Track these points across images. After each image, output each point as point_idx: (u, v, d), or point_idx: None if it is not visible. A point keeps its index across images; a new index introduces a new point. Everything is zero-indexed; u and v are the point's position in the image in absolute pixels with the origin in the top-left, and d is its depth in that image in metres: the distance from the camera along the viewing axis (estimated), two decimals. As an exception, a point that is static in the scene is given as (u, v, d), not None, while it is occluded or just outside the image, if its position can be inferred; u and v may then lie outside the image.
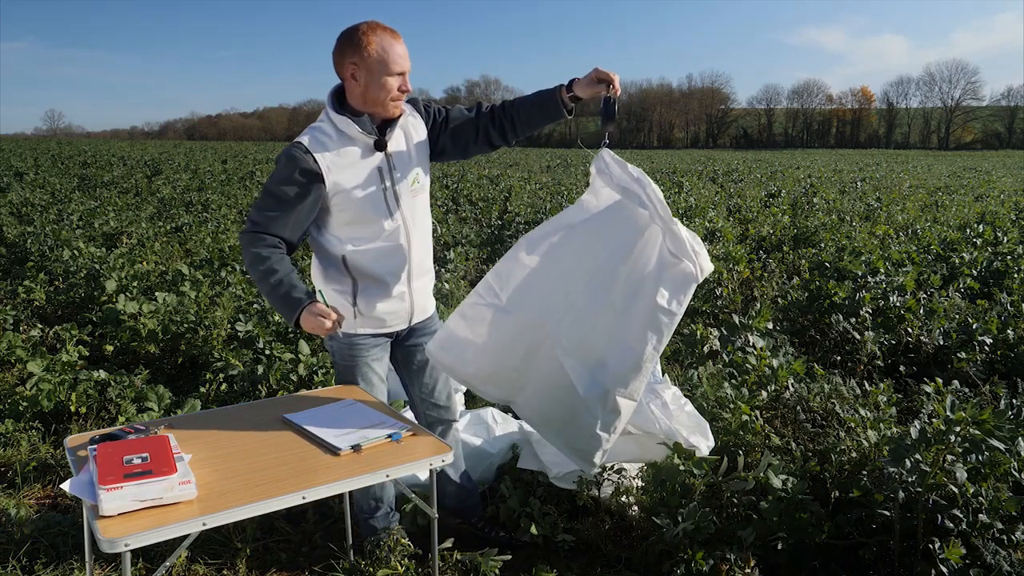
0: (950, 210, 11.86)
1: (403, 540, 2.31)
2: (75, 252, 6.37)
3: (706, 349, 3.88)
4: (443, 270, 5.99)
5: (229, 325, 4.44)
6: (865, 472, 2.59)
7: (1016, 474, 2.40)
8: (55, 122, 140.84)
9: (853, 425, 2.86)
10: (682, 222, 2.42)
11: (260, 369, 3.68)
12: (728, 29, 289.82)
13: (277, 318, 4.32)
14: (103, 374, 3.69)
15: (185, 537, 1.55)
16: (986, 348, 4.09)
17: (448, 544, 2.37)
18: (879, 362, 4.19)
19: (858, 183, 17.86)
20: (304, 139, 2.10)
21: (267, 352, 3.98)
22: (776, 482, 2.42)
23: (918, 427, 2.32)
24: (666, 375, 3.04)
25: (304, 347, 3.84)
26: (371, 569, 2.24)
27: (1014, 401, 2.69)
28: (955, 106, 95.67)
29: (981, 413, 2.21)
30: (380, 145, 2.14)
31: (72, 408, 3.51)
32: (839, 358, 4.31)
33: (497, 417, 3.19)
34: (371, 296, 2.25)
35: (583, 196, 2.34)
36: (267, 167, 21.82)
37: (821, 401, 3.22)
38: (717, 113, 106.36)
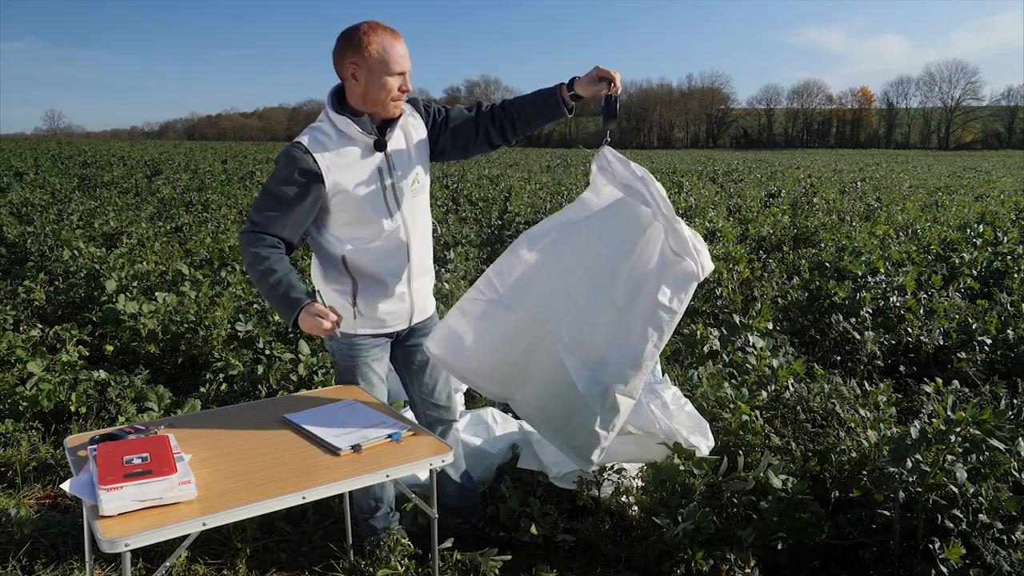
0: (950, 210, 11.86)
1: (403, 540, 2.31)
2: (75, 252, 6.37)
3: (706, 349, 3.88)
4: (443, 270, 5.99)
5: (229, 325, 4.44)
6: (865, 472, 2.59)
7: (1016, 474, 2.40)
8: (55, 122, 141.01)
9: (853, 425, 2.86)
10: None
11: (260, 369, 3.68)
12: (728, 29, 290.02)
13: (277, 318, 4.32)
14: (103, 374, 3.70)
15: (185, 537, 1.55)
16: (986, 348, 4.09)
17: (448, 544, 2.37)
18: (879, 362, 4.19)
19: (858, 183, 17.86)
20: (304, 139, 2.09)
21: (267, 352, 3.98)
22: (776, 482, 2.42)
23: (918, 427, 2.32)
24: (666, 375, 3.04)
25: (304, 347, 3.84)
26: (371, 569, 2.24)
27: (1014, 401, 2.69)
28: (955, 106, 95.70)
29: (981, 413, 2.21)
30: (380, 145, 2.14)
31: (72, 408, 3.51)
32: (839, 358, 4.31)
33: (497, 417, 3.19)
34: (371, 296, 2.24)
35: (584, 194, 2.34)
36: (267, 167, 21.82)
37: (821, 401, 3.22)
38: (717, 113, 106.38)
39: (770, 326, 4.33)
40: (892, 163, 37.01)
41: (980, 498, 2.29)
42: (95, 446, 1.69)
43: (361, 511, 2.47)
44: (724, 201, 12.27)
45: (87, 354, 4.38)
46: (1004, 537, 2.24)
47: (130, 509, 1.49)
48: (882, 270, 5.70)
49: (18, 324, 4.86)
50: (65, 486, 1.58)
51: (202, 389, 3.63)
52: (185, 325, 4.41)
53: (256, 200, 2.12)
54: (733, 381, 3.22)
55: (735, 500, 2.51)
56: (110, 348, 4.49)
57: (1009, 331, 4.15)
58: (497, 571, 2.31)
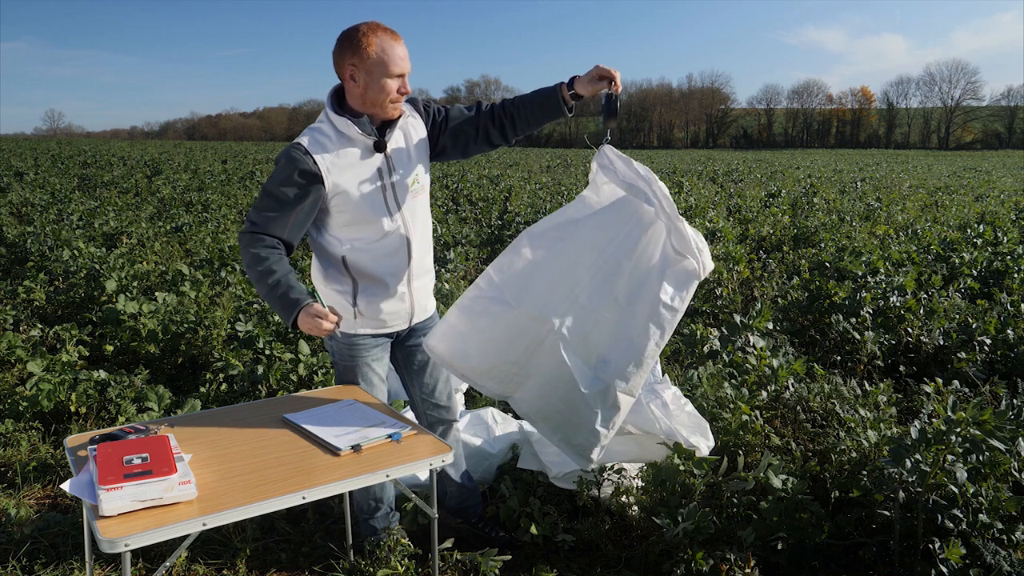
0: (950, 210, 11.86)
1: (403, 540, 2.31)
2: (75, 252, 6.37)
3: (706, 349, 3.88)
4: (443, 270, 5.99)
5: (229, 325, 4.44)
6: (865, 472, 2.59)
7: (1016, 474, 2.40)
8: (55, 122, 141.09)
9: (853, 425, 2.86)
10: (682, 222, 2.44)
11: (260, 369, 3.68)
12: (728, 29, 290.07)
13: (277, 318, 4.33)
14: (103, 374, 3.70)
15: (185, 537, 1.55)
16: (986, 348, 4.09)
17: (448, 544, 2.38)
18: (879, 362, 4.19)
19: (858, 183, 17.86)
20: (304, 140, 2.09)
21: (267, 352, 3.98)
22: (776, 482, 2.42)
23: (918, 427, 2.32)
24: (666, 375, 3.04)
25: (304, 347, 3.84)
26: (371, 569, 2.24)
27: (1014, 401, 2.69)
28: (955, 106, 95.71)
29: (981, 413, 2.21)
30: (380, 146, 2.14)
31: (72, 408, 3.51)
32: (839, 358, 4.31)
33: (497, 417, 3.19)
34: (372, 296, 2.25)
35: (584, 192, 2.34)
36: (267, 167, 21.82)
37: (821, 401, 3.22)
38: (717, 113, 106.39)
39: (770, 326, 4.34)
40: (892, 163, 37.02)
41: (980, 498, 2.29)
42: (95, 446, 1.69)
43: (361, 511, 2.47)
44: (724, 201, 12.28)
45: (87, 354, 4.38)
46: (1004, 537, 2.24)
47: (130, 509, 1.49)
48: (882, 270, 5.70)
49: (18, 324, 4.86)
50: (65, 486, 1.58)
51: (202, 389, 3.63)
52: (185, 325, 4.41)
53: (256, 201, 2.12)
54: (733, 381, 3.22)
55: (735, 500, 2.51)
56: (110, 348, 4.49)
57: (1009, 331, 4.15)
58: (497, 571, 2.31)
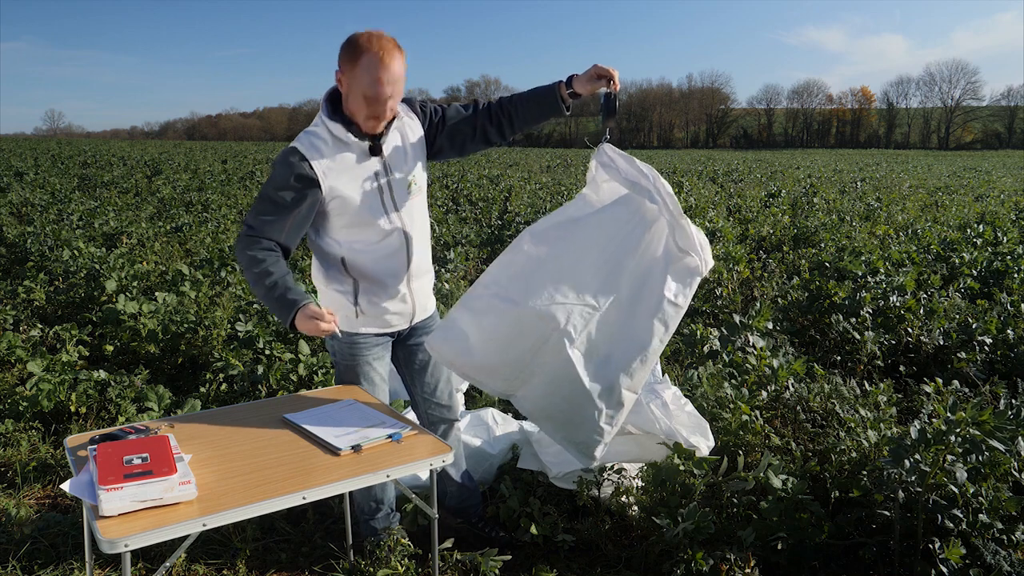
0: (950, 210, 11.86)
1: (403, 540, 2.31)
2: (75, 252, 6.37)
3: (706, 349, 3.88)
4: (443, 270, 5.99)
5: (229, 325, 4.44)
6: (865, 472, 2.59)
7: (1016, 474, 2.40)
8: (55, 122, 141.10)
9: (853, 425, 2.86)
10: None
11: (260, 369, 3.68)
12: (728, 29, 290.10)
13: (277, 318, 4.32)
14: (103, 374, 3.70)
15: (185, 538, 1.55)
16: (986, 348, 4.09)
17: (448, 544, 2.38)
18: (879, 362, 4.19)
19: (858, 183, 17.86)
20: (300, 145, 2.08)
21: (267, 352, 3.98)
22: (776, 482, 2.42)
23: (918, 427, 2.32)
24: (666, 375, 3.04)
25: (304, 347, 3.84)
26: (371, 569, 2.24)
27: (1014, 401, 2.69)
28: (955, 106, 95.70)
29: (981, 413, 2.21)
30: (375, 150, 2.13)
31: (72, 408, 3.51)
32: (839, 358, 4.31)
33: (497, 418, 3.19)
34: (372, 296, 2.25)
35: (583, 191, 2.35)
36: (267, 167, 21.82)
37: (821, 401, 3.22)
38: (717, 113, 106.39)
39: (770, 326, 4.34)
40: (892, 163, 37.02)
41: (980, 498, 2.29)
42: (95, 446, 1.69)
43: (362, 512, 2.47)
44: (724, 201, 12.28)
45: (87, 354, 4.38)
46: (1004, 537, 2.24)
47: (130, 509, 1.49)
48: (882, 270, 5.71)
49: (18, 324, 4.86)
50: (65, 486, 1.58)
51: (202, 389, 3.63)
52: (185, 325, 4.41)
53: (253, 204, 2.11)
54: (733, 381, 3.22)
55: (735, 500, 2.51)
56: (110, 348, 4.49)
57: (1009, 331, 4.15)
58: (497, 571, 2.31)
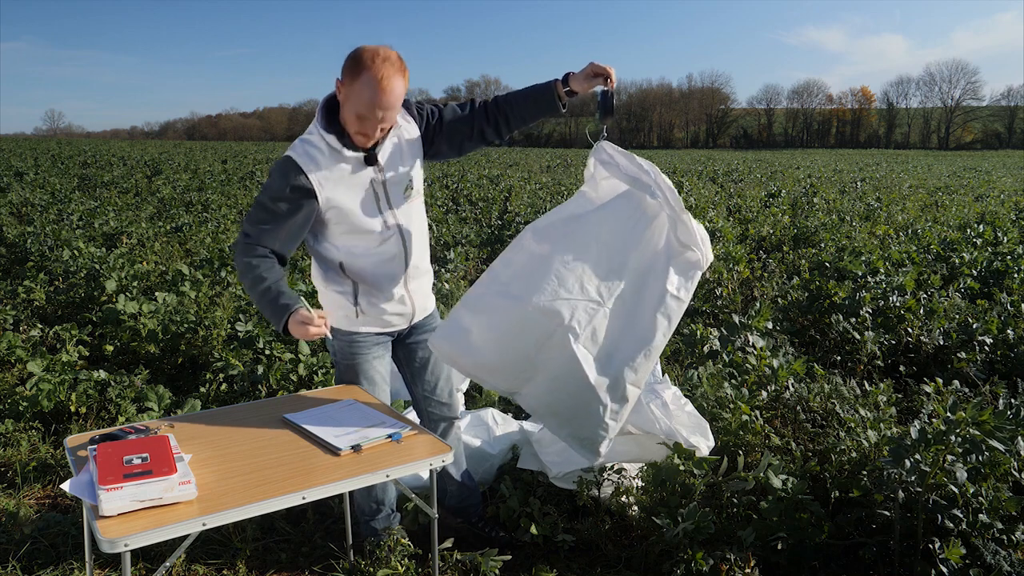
0: (950, 210, 11.87)
1: (403, 540, 2.31)
2: (75, 252, 6.37)
3: (706, 349, 3.88)
4: (443, 270, 5.99)
5: (229, 325, 4.44)
6: (865, 472, 2.59)
7: (1016, 474, 2.40)
8: (55, 122, 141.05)
9: (853, 425, 2.86)
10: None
11: (260, 369, 3.68)
12: (728, 29, 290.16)
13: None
14: (103, 374, 3.70)
15: (185, 537, 1.55)
16: (986, 348, 4.09)
17: (448, 544, 2.38)
18: (879, 362, 4.19)
19: (858, 183, 17.86)
20: (296, 156, 2.07)
21: (267, 352, 3.98)
22: (776, 482, 2.42)
23: (918, 427, 2.32)
24: (666, 375, 3.04)
25: (304, 347, 3.84)
26: (371, 569, 2.24)
27: (1014, 401, 2.69)
28: (955, 106, 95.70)
29: (981, 413, 2.21)
30: (371, 159, 2.13)
31: (72, 408, 3.51)
32: (839, 358, 4.31)
33: (497, 418, 3.19)
34: (372, 297, 2.26)
35: (582, 188, 2.35)
36: (267, 167, 21.82)
37: (821, 401, 3.22)
38: (717, 113, 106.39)
39: (770, 326, 4.34)
40: (892, 163, 37.02)
41: (980, 498, 2.29)
42: (95, 446, 1.69)
43: (362, 513, 2.47)
44: (724, 201, 12.28)
45: (87, 354, 4.38)
46: (1004, 537, 2.24)
47: (130, 509, 1.49)
48: (882, 270, 5.71)
49: (18, 324, 4.86)
50: (65, 486, 1.58)
51: (202, 389, 3.63)
52: (185, 325, 4.41)
53: (249, 212, 2.12)
54: (733, 381, 3.22)
55: (735, 500, 2.51)
56: (110, 348, 4.49)
57: (1009, 331, 4.15)
58: (497, 571, 2.31)
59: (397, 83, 1.98)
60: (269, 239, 2.08)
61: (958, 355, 4.01)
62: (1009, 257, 6.17)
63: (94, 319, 4.82)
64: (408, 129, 2.24)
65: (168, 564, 1.59)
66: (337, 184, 2.09)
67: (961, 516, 2.26)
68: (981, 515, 2.25)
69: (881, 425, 2.81)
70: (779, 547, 2.37)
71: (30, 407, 3.46)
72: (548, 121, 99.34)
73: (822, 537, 2.39)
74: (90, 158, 25.88)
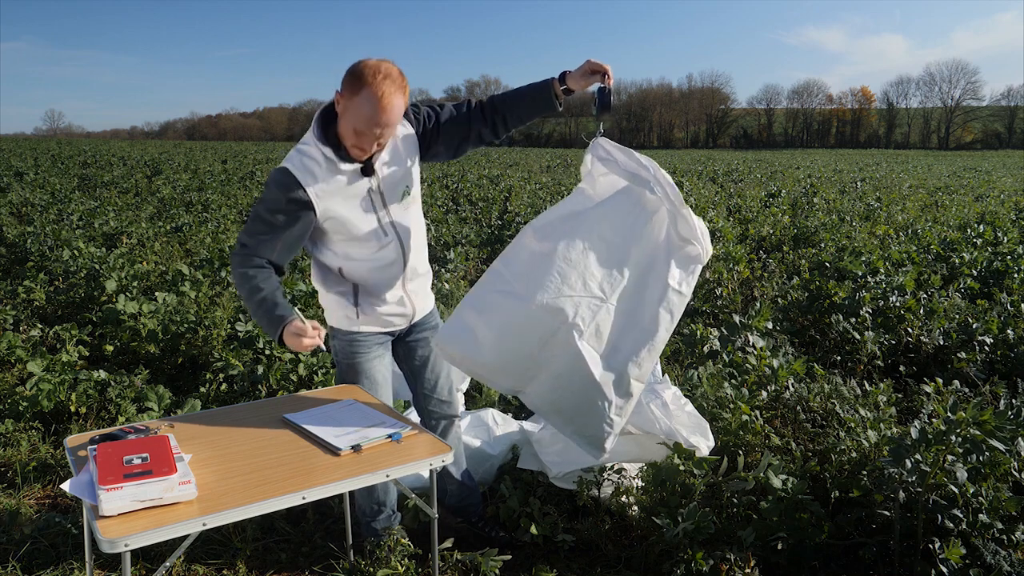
0: (950, 210, 11.87)
1: (403, 540, 2.31)
2: (75, 252, 6.37)
3: (706, 349, 3.88)
4: (443, 270, 5.99)
5: (229, 325, 4.44)
6: (865, 472, 2.59)
7: (1016, 474, 2.40)
8: (55, 122, 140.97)
9: (853, 425, 2.86)
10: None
11: (260, 369, 3.68)
12: (728, 29, 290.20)
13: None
14: (103, 374, 3.70)
15: (185, 537, 1.55)
16: (986, 348, 4.09)
17: (448, 544, 2.38)
18: (879, 362, 4.19)
19: (858, 183, 17.86)
20: (293, 168, 2.06)
21: (267, 352, 3.98)
22: (776, 482, 2.42)
23: (918, 427, 2.32)
24: (666, 375, 3.04)
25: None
26: (371, 569, 2.24)
27: (1014, 401, 2.69)
28: (955, 106, 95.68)
29: (981, 413, 2.21)
30: (367, 170, 2.12)
31: (72, 408, 3.51)
32: (839, 358, 4.31)
33: (497, 418, 3.19)
34: (371, 299, 2.27)
35: (580, 185, 2.35)
36: (267, 167, 21.83)
37: (821, 401, 3.22)
38: (717, 113, 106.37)
39: (770, 326, 4.34)
40: (892, 163, 37.02)
41: (980, 498, 2.29)
42: (95, 446, 1.69)
43: (363, 514, 2.47)
44: (724, 201, 12.28)
45: (87, 354, 4.38)
46: (1004, 537, 2.24)
47: (130, 509, 1.49)
48: (882, 270, 5.71)
49: (18, 324, 4.86)
50: (65, 486, 1.58)
51: (202, 389, 3.63)
52: (185, 325, 4.41)
53: (246, 223, 2.12)
54: (733, 381, 3.22)
55: (735, 500, 2.51)
56: (110, 348, 4.49)
57: (1009, 331, 4.15)
58: (497, 571, 2.31)
59: (397, 100, 1.97)
60: (266, 250, 2.08)
61: (958, 355, 4.01)
62: (1009, 257, 6.17)
63: (94, 319, 4.82)
64: (404, 133, 2.23)
65: (168, 564, 1.59)
66: (334, 195, 2.09)
67: (961, 516, 2.26)
68: (981, 515, 2.25)
69: (881, 425, 2.80)
70: (779, 547, 2.37)
71: (30, 407, 3.46)
72: (548, 121, 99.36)
73: (822, 537, 2.39)
74: (90, 158, 25.88)
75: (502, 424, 3.16)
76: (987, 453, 2.22)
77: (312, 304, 4.66)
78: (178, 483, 1.54)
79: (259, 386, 3.62)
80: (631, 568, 2.50)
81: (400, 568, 2.22)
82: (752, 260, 6.44)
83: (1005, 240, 7.36)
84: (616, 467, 2.73)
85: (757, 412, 3.02)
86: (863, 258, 6.10)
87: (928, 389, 3.31)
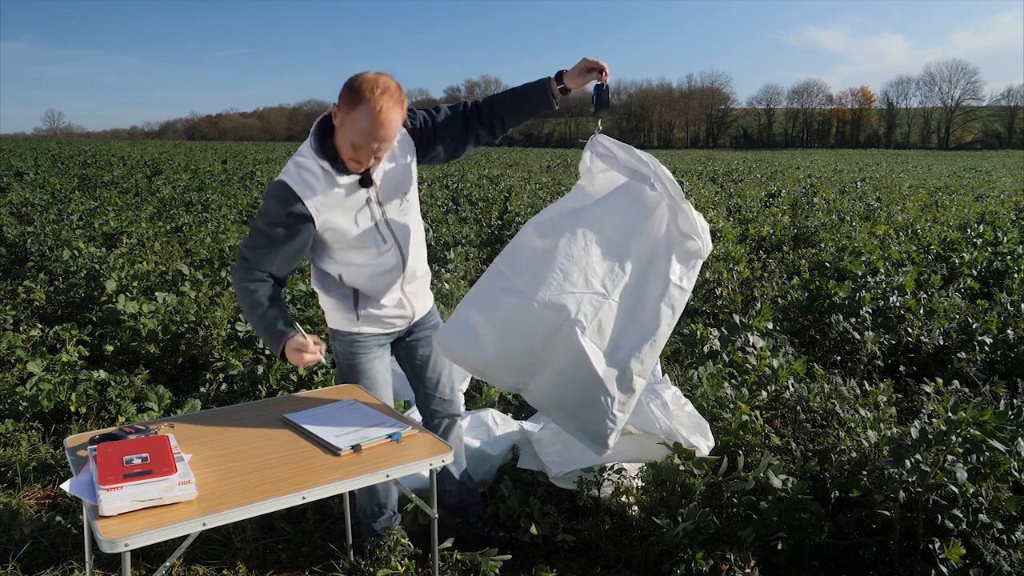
0: (950, 210, 11.87)
1: (403, 540, 2.31)
2: (75, 252, 6.37)
3: (706, 349, 3.88)
4: (443, 270, 5.99)
5: (229, 325, 4.44)
6: (865, 472, 2.59)
7: (1016, 474, 2.40)
8: (55, 122, 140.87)
9: (853, 425, 2.86)
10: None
11: (260, 369, 3.68)
12: (728, 29, 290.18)
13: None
14: (103, 374, 3.70)
15: (185, 537, 1.55)
16: (986, 348, 4.09)
17: (448, 544, 2.37)
18: (879, 362, 4.19)
19: (858, 183, 17.87)
20: (291, 181, 2.05)
21: (267, 352, 3.98)
22: (776, 482, 2.42)
23: (918, 427, 2.32)
24: (666, 375, 3.04)
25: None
26: (371, 569, 2.24)
27: (1014, 401, 2.69)
28: (955, 106, 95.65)
29: (982, 414, 2.21)
30: (365, 181, 2.12)
31: (72, 408, 3.51)
32: (839, 358, 4.31)
33: (497, 419, 3.19)
34: (371, 302, 2.28)
35: (579, 182, 2.35)
36: (267, 167, 21.83)
37: (821, 401, 3.22)
38: (717, 113, 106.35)
39: (770, 326, 4.34)
40: (892, 163, 37.02)
41: (980, 498, 2.29)
42: (95, 446, 1.69)
43: (364, 515, 2.47)
44: (724, 201, 12.28)
45: (87, 354, 4.38)
46: (1004, 537, 2.24)
47: (130, 509, 1.49)
48: (882, 270, 5.71)
49: (18, 324, 4.86)
50: (65, 486, 1.58)
51: (202, 389, 3.63)
52: (185, 325, 4.41)
53: (246, 237, 2.13)
54: (733, 381, 3.22)
55: (735, 500, 2.51)
56: (110, 348, 4.49)
57: (1009, 331, 4.15)
58: (497, 571, 2.31)
59: (395, 115, 1.96)
60: (267, 263, 2.09)
61: (958, 355, 4.01)
62: (1009, 257, 6.17)
63: (94, 319, 4.82)
64: (401, 140, 2.22)
65: (168, 564, 1.59)
66: (334, 208, 2.09)
67: (961, 516, 2.26)
68: (981, 515, 2.25)
69: (881, 425, 2.80)
70: (779, 547, 2.37)
71: (30, 407, 3.46)
72: (548, 120, 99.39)
73: (822, 537, 2.39)
74: (90, 158, 25.88)
75: (502, 424, 3.16)
76: (987, 453, 2.22)
77: (312, 304, 4.66)
78: (178, 483, 1.54)
79: (259, 386, 3.62)
80: (631, 568, 2.50)
81: (400, 568, 2.22)
82: (752, 260, 6.44)
83: (1005, 240, 7.36)
84: (616, 467, 2.73)
85: (757, 412, 3.02)
86: (863, 258, 6.10)
87: (928, 389, 3.31)
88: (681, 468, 2.52)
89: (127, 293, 5.17)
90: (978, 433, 2.20)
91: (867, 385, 3.54)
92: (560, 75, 2.20)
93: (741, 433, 2.88)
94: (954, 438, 2.21)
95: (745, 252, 6.38)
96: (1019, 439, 2.31)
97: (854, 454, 2.70)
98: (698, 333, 3.94)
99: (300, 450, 1.85)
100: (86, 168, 20.48)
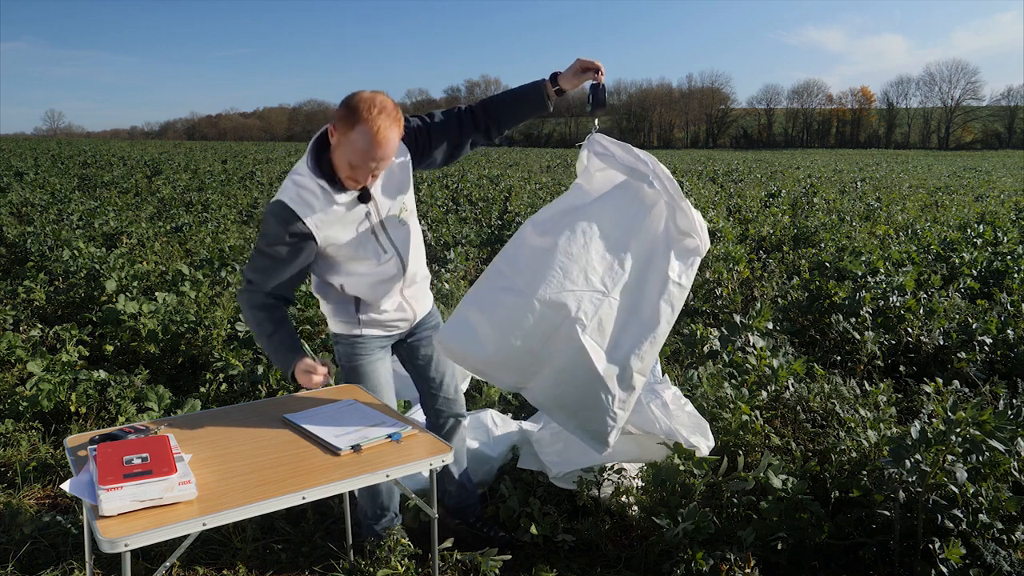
0: (950, 210, 11.87)
1: (403, 540, 2.31)
2: (75, 252, 6.37)
3: (706, 349, 3.88)
4: (443, 270, 5.99)
5: (229, 325, 4.44)
6: (865, 472, 2.59)
7: (1016, 474, 2.40)
8: (55, 122, 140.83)
9: (853, 425, 2.86)
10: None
11: (260, 369, 3.68)
12: (728, 29, 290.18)
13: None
14: (103, 374, 3.70)
15: (185, 537, 1.55)
16: (986, 348, 4.09)
17: (448, 544, 2.38)
18: (879, 362, 4.19)
19: (858, 183, 17.87)
20: (290, 200, 2.04)
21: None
22: (776, 482, 2.42)
23: (918, 427, 2.32)
24: (666, 375, 3.04)
25: (305, 347, 3.83)
26: (371, 569, 2.24)
27: (1014, 401, 2.69)
28: (955, 106, 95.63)
29: (981, 414, 2.21)
30: (364, 197, 2.12)
31: (72, 408, 3.51)
32: (839, 358, 4.31)
33: (496, 419, 3.19)
34: (372, 307, 2.29)
35: (576, 181, 2.35)
36: (267, 167, 21.83)
37: (821, 401, 3.22)
38: (717, 113, 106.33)
39: (770, 326, 4.34)
40: (892, 163, 37.02)
41: (980, 498, 2.29)
42: (95, 446, 1.69)
43: (366, 517, 2.47)
44: (724, 201, 12.28)
45: (87, 354, 4.38)
46: (1004, 537, 2.24)
47: (130, 509, 1.49)
48: (882, 270, 5.71)
49: (18, 324, 4.86)
50: (65, 486, 1.58)
51: (202, 389, 3.63)
52: (185, 325, 4.41)
53: (249, 260, 2.13)
54: (733, 381, 3.22)
55: (735, 500, 2.51)
56: (110, 348, 4.49)
57: (1009, 331, 4.15)
58: (497, 571, 2.31)
59: (392, 134, 1.96)
60: (272, 283, 2.10)
61: (958, 355, 4.01)
62: (1009, 257, 6.17)
63: (94, 319, 4.82)
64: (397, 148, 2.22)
65: (168, 564, 1.59)
66: (333, 224, 2.10)
67: (961, 516, 2.26)
68: (981, 515, 2.25)
69: (881, 425, 2.81)
70: (779, 547, 2.37)
71: (30, 407, 3.46)
72: (548, 121, 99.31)
73: (822, 537, 2.39)
74: (90, 158, 25.88)
75: (501, 425, 3.16)
76: (987, 453, 2.22)
77: (312, 304, 4.66)
78: (178, 483, 1.54)
79: (259, 386, 3.62)
80: (631, 568, 2.50)
81: (400, 568, 2.22)
82: (752, 260, 6.44)
83: (1005, 240, 7.36)
84: (616, 467, 2.73)
85: (757, 412, 3.02)
86: (863, 258, 6.10)
87: (928, 389, 3.31)
88: (681, 468, 2.52)
89: (127, 293, 5.17)
90: (978, 433, 2.20)
91: (867, 385, 3.54)
92: (555, 76, 2.21)
93: (741, 433, 2.88)
94: (954, 438, 2.21)
95: (745, 252, 6.38)
96: (1019, 439, 2.31)
97: (854, 454, 2.70)
98: (698, 333, 3.94)
99: (300, 450, 1.85)
100: (86, 168, 20.48)
